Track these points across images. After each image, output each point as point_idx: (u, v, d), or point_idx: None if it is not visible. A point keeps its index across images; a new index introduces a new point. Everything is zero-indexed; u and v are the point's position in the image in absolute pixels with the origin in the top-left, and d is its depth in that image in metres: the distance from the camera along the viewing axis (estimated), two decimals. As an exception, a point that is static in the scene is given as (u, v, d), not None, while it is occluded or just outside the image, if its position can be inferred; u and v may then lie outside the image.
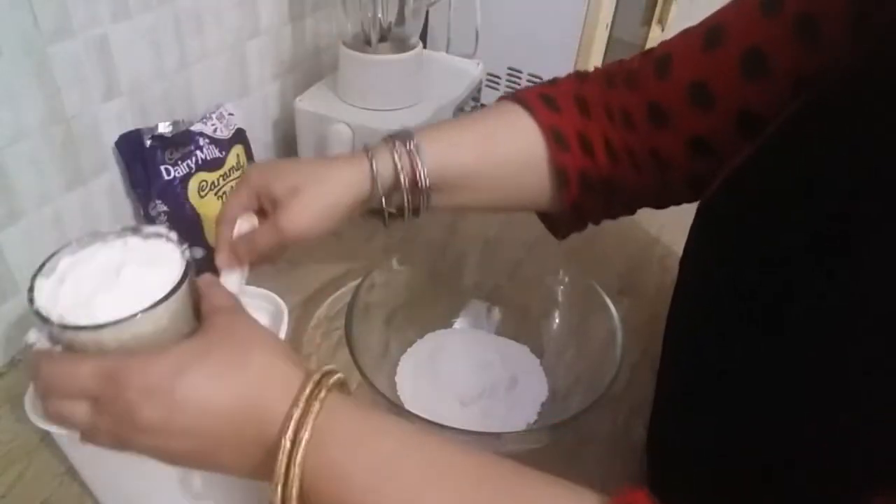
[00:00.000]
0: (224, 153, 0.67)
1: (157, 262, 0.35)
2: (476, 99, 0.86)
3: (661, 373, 0.48)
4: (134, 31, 0.60)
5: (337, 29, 0.81)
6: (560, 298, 0.61)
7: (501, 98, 0.55)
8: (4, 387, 0.56)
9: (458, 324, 0.63)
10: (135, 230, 0.36)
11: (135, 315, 0.32)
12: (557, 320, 0.61)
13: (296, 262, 0.72)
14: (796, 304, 0.34)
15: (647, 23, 1.11)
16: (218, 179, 0.66)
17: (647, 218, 0.81)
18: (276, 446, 0.31)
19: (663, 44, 0.51)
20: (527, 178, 0.52)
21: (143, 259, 0.35)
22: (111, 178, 0.63)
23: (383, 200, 0.50)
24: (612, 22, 0.97)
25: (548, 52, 1.00)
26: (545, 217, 0.60)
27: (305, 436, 0.31)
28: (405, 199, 0.50)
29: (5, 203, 0.54)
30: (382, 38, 0.74)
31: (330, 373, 0.34)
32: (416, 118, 0.74)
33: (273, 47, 0.79)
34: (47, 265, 0.34)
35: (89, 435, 0.34)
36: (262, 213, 0.49)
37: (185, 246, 0.36)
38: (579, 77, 0.55)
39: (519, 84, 1.01)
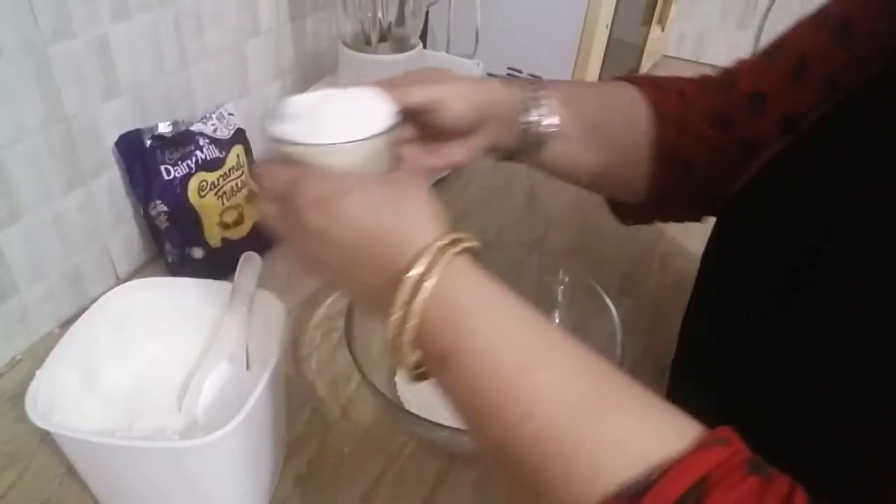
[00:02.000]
0: (224, 153, 0.67)
1: (373, 114, 0.40)
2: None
3: (673, 368, 0.49)
4: (134, 31, 0.60)
5: (337, 29, 0.81)
6: (560, 298, 0.61)
7: (615, 77, 0.58)
8: (4, 387, 0.56)
9: (459, 324, 0.63)
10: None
11: (331, 144, 0.38)
12: (557, 320, 0.61)
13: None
14: (807, 295, 0.35)
15: (647, 23, 1.11)
16: (218, 179, 0.66)
17: (648, 218, 0.82)
18: (401, 277, 0.33)
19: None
20: (629, 152, 0.54)
21: (360, 109, 0.41)
22: (111, 178, 0.63)
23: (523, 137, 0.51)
24: (612, 22, 0.97)
25: (548, 52, 1.00)
26: (615, 203, 0.61)
27: (433, 281, 0.33)
28: (520, 146, 0.51)
29: (5, 203, 0.54)
30: (382, 39, 0.74)
31: (467, 238, 0.36)
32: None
33: (273, 47, 0.79)
34: (290, 103, 0.41)
35: (280, 233, 0.39)
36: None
37: (401, 111, 0.42)
38: (680, 78, 0.58)
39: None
